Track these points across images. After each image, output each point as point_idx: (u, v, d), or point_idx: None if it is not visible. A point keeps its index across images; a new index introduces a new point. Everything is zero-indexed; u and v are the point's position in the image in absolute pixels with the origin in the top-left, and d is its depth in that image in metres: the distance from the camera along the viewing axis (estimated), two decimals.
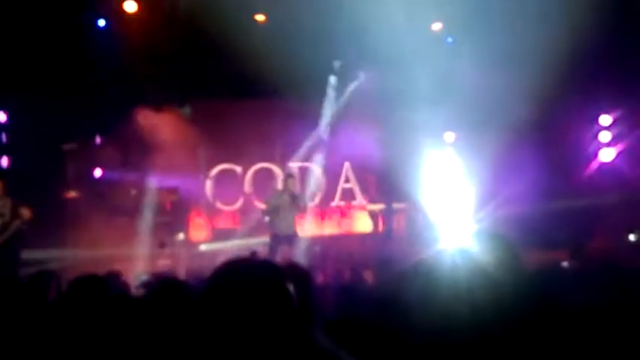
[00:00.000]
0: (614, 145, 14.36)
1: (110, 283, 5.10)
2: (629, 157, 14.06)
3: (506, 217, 12.16)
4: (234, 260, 2.18)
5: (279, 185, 13.95)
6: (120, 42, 13.31)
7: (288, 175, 12.23)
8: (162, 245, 12.86)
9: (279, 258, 10.64)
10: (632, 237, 12.95)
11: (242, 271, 2.11)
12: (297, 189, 11.89)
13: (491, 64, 12.68)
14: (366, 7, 12.74)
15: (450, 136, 15.06)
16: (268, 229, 12.02)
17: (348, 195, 16.30)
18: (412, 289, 2.94)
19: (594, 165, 14.50)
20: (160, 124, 14.57)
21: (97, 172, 14.57)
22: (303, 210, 12.55)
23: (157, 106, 14.57)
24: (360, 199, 15.90)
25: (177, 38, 13.65)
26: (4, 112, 13.17)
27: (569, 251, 9.24)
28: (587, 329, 2.80)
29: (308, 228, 14.62)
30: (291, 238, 11.74)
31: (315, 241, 14.18)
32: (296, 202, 11.70)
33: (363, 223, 15.46)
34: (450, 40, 15.29)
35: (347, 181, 16.42)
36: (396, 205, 15.14)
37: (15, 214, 10.09)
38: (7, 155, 13.12)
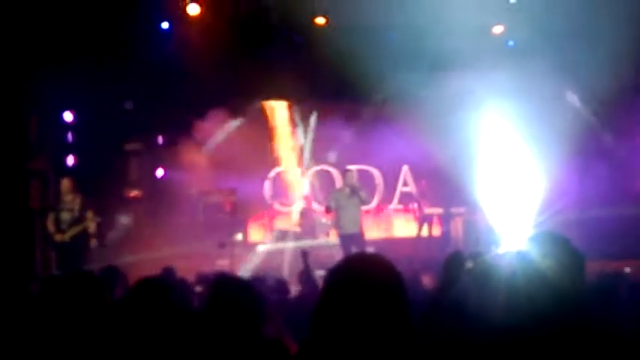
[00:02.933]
0: None
1: (168, 280, 5.19)
2: None
3: (568, 222, 11.91)
4: (354, 258, 2.15)
5: (339, 186, 13.95)
6: (183, 44, 13.50)
7: (347, 170, 11.92)
8: (221, 245, 12.99)
9: None
10: None
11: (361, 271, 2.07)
12: (356, 182, 11.55)
13: (554, 67, 12.49)
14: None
15: (512, 137, 14.83)
16: (335, 229, 11.76)
17: (407, 198, 16.25)
18: (470, 294, 2.92)
19: None
20: (221, 126, 14.77)
21: (159, 172, 14.84)
22: (366, 201, 12.13)
23: (219, 108, 14.78)
24: (417, 202, 15.79)
25: (238, 41, 13.78)
26: (72, 112, 13.49)
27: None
28: None
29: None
30: (357, 238, 11.30)
31: (371, 243, 14.13)
32: (357, 195, 11.32)
33: (419, 228, 15.34)
34: (511, 43, 15.09)
35: (405, 184, 16.38)
36: (454, 210, 14.98)
37: (84, 211, 10.42)
38: (73, 154, 13.44)
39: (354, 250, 10.64)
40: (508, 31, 14.73)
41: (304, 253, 7.72)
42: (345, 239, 11.23)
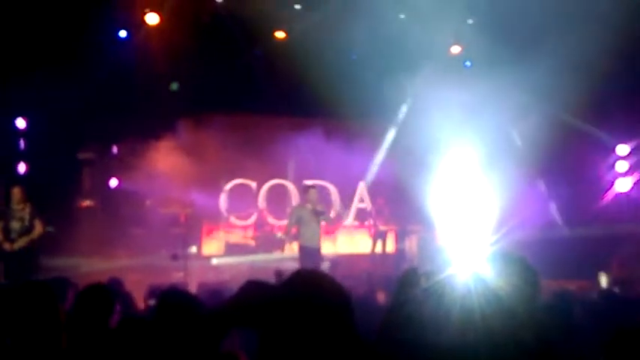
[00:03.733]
0: (630, 175, 14.27)
1: (113, 290, 5.11)
2: None
3: (522, 243, 12.06)
4: (305, 274, 2.12)
5: (294, 201, 13.92)
6: (141, 53, 13.38)
7: (309, 187, 11.96)
8: (174, 257, 12.83)
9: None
10: None
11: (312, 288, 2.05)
12: (317, 200, 11.62)
13: (508, 89, 12.67)
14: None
15: (471, 158, 14.99)
16: (297, 241, 11.76)
17: (362, 215, 16.30)
18: (425, 312, 2.91)
19: (611, 194, 14.41)
20: (178, 137, 14.64)
21: (113, 182, 14.63)
22: (327, 221, 12.24)
23: (175, 118, 14.66)
24: (373, 219, 15.85)
25: (198, 51, 13.72)
26: (24, 119, 13.25)
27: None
28: None
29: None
30: (315, 253, 11.37)
31: (326, 258, 14.10)
32: (319, 214, 11.41)
33: (373, 244, 15.37)
34: (468, 64, 15.30)
35: (361, 200, 16.44)
36: (410, 227, 15.07)
37: (34, 221, 10.23)
38: (25, 162, 13.19)
39: (310, 264, 10.67)
40: (466, 51, 14.94)
41: (279, 273, 7.66)
42: (306, 252, 11.28)
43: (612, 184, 14.40)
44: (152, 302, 6.51)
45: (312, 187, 11.83)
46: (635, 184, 14.20)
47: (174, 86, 14.40)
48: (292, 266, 11.50)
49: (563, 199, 13.41)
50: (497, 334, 2.50)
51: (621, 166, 14.32)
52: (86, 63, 12.57)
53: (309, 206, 11.39)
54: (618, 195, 14.36)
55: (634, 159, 14.20)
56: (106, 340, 3.48)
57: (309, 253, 11.28)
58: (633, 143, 14.13)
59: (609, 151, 14.37)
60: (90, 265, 11.72)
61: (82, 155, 14.31)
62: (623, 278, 11.66)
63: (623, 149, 14.27)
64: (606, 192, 14.41)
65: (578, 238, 12.99)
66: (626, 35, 11.59)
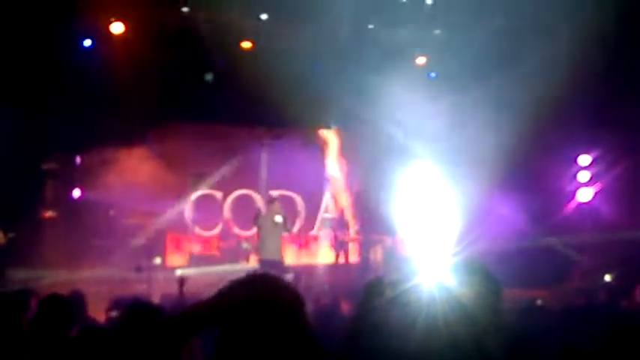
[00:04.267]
0: (592, 185, 14.48)
1: (75, 302, 5.07)
2: (607, 197, 14.17)
3: (485, 253, 12.18)
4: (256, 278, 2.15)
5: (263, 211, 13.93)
6: (106, 63, 13.28)
7: (272, 199, 12.00)
8: (138, 269, 12.71)
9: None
10: (607, 277, 13.01)
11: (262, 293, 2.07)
12: (281, 212, 11.66)
13: (469, 100, 12.81)
14: None
15: (435, 168, 15.10)
16: (256, 254, 11.80)
17: (328, 225, 16.29)
18: (390, 321, 2.93)
19: (573, 204, 14.60)
20: (143, 147, 14.54)
21: (76, 193, 14.46)
22: (290, 231, 12.34)
23: (140, 128, 14.54)
24: (338, 229, 15.87)
25: (164, 60, 13.66)
26: None
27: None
28: None
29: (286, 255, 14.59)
30: (277, 265, 11.46)
31: (292, 269, 14.08)
32: (280, 226, 11.47)
33: (336, 254, 15.39)
34: (433, 75, 15.43)
35: (326, 211, 16.44)
36: (375, 237, 15.11)
37: None
38: None
39: None
40: (430, 62, 15.08)
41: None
42: (266, 264, 11.29)
43: (574, 194, 14.59)
44: (114, 314, 6.45)
45: (275, 198, 11.90)
46: (596, 194, 14.40)
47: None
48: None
49: (526, 210, 13.55)
50: (461, 341, 2.53)
51: (583, 176, 14.51)
52: (50, 72, 12.44)
53: (273, 217, 11.45)
54: (580, 205, 14.55)
55: (595, 169, 14.40)
56: (66, 350, 3.45)
57: (270, 265, 11.34)
58: (594, 153, 14.33)
59: (571, 162, 14.56)
60: (53, 277, 11.56)
61: (46, 165, 14.13)
62: (585, 287, 11.84)
63: (584, 159, 14.48)
64: (568, 202, 14.60)
65: (540, 248, 13.13)
66: (587, 47, 11.79)
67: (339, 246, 15.26)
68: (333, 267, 15.13)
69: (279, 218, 11.52)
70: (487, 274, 2.84)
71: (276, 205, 11.66)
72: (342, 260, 15.18)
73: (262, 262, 11.39)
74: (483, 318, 2.63)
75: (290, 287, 2.11)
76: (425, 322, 2.65)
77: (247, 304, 2.01)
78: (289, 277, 12.83)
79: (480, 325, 2.60)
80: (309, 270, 14.69)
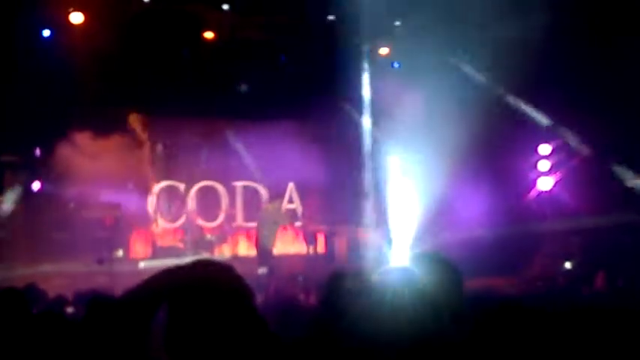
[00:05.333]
0: (552, 174, 14.67)
1: (30, 297, 5.02)
2: (567, 185, 14.37)
3: (447, 242, 12.29)
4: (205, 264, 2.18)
5: (224, 203, 13.93)
6: (65, 53, 13.10)
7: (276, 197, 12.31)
8: (100, 261, 12.58)
9: None
10: (568, 265, 13.23)
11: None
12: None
13: (432, 90, 12.88)
14: None
15: (394, 160, 15.18)
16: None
17: (292, 216, 16.28)
18: (354, 311, 2.95)
19: (533, 193, 14.78)
20: (104, 138, 14.37)
21: (36, 185, 14.24)
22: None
23: (103, 119, 14.36)
24: (302, 220, 15.89)
25: (125, 51, 13.51)
26: None
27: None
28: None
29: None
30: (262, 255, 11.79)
31: (269, 262, 14.06)
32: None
33: (307, 245, 15.42)
34: (396, 65, 15.49)
35: (291, 201, 16.42)
36: (339, 228, 15.15)
37: None
38: None
39: None
40: (393, 52, 15.14)
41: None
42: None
43: (535, 183, 14.77)
44: (71, 310, 6.40)
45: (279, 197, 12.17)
46: (556, 182, 14.60)
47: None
48: None
49: (487, 199, 13.69)
50: (422, 329, 2.57)
51: (543, 165, 14.69)
52: (8, 63, 12.23)
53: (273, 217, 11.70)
54: (540, 194, 14.74)
55: (555, 158, 14.59)
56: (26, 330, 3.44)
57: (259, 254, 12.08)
58: (555, 143, 14.51)
59: (532, 151, 14.74)
60: (11, 272, 11.39)
61: (4, 158, 13.89)
62: (545, 275, 12.03)
63: (545, 149, 14.65)
64: (529, 191, 14.78)
65: (501, 237, 13.28)
66: (552, 32, 11.89)
67: (308, 236, 15.31)
68: (299, 257, 15.17)
69: (282, 220, 11.87)
70: (448, 264, 2.90)
71: (279, 204, 11.97)
72: (311, 251, 15.25)
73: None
74: (445, 305, 2.67)
75: (233, 272, 2.17)
76: (389, 311, 2.68)
77: (190, 286, 2.09)
78: (262, 270, 12.92)
79: (442, 312, 2.64)
80: (273, 261, 14.69)
